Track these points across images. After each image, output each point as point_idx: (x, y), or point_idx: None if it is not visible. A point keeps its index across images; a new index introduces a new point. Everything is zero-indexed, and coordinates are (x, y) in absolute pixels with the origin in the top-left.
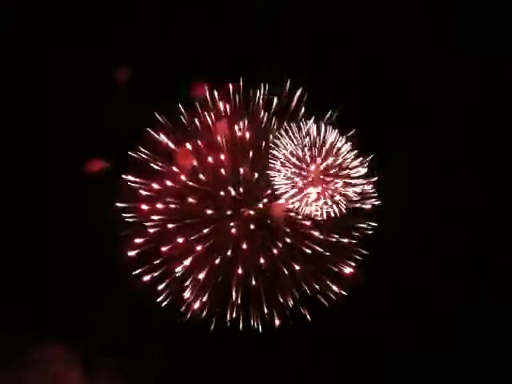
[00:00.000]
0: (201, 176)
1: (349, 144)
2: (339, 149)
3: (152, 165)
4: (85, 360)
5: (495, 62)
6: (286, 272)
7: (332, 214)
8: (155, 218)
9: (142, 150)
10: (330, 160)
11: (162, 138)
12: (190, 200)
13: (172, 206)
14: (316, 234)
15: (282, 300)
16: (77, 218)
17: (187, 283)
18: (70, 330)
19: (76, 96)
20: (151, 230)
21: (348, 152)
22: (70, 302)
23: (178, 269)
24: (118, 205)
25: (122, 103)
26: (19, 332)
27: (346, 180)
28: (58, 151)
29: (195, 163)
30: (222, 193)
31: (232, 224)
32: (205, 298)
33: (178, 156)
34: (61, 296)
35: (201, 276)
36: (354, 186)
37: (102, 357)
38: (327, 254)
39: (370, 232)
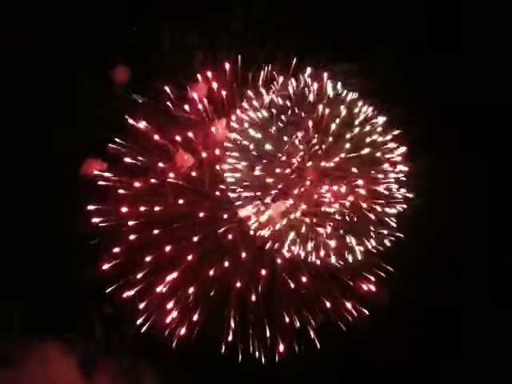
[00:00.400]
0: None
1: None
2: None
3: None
4: (83, 360)
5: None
6: (293, 286)
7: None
8: (136, 222)
9: (121, 141)
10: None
11: (144, 125)
12: (180, 201)
13: (157, 207)
14: (331, 243)
15: (287, 320)
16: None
17: (173, 301)
18: (68, 331)
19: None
20: (132, 237)
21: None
22: (68, 303)
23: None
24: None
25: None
26: (17, 332)
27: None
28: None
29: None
30: (217, 192)
31: (228, 229)
32: (195, 318)
33: (176, 158)
34: (59, 296)
35: (190, 291)
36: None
37: (100, 357)
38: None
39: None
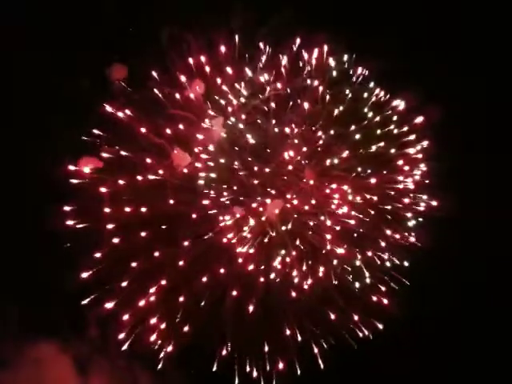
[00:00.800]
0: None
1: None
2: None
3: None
4: (79, 360)
5: None
6: (294, 294)
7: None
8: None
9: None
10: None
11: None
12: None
13: (143, 208)
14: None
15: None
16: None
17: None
18: (64, 331)
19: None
20: (116, 240)
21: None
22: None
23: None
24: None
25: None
26: (14, 332)
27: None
28: None
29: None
30: (212, 191)
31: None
32: (186, 329)
33: (173, 157)
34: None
35: (181, 299)
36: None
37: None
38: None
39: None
